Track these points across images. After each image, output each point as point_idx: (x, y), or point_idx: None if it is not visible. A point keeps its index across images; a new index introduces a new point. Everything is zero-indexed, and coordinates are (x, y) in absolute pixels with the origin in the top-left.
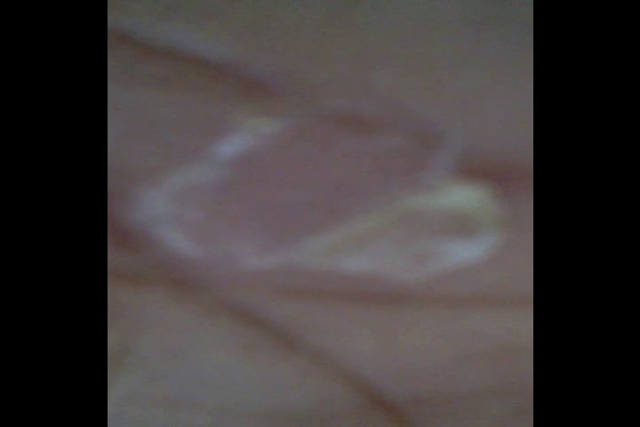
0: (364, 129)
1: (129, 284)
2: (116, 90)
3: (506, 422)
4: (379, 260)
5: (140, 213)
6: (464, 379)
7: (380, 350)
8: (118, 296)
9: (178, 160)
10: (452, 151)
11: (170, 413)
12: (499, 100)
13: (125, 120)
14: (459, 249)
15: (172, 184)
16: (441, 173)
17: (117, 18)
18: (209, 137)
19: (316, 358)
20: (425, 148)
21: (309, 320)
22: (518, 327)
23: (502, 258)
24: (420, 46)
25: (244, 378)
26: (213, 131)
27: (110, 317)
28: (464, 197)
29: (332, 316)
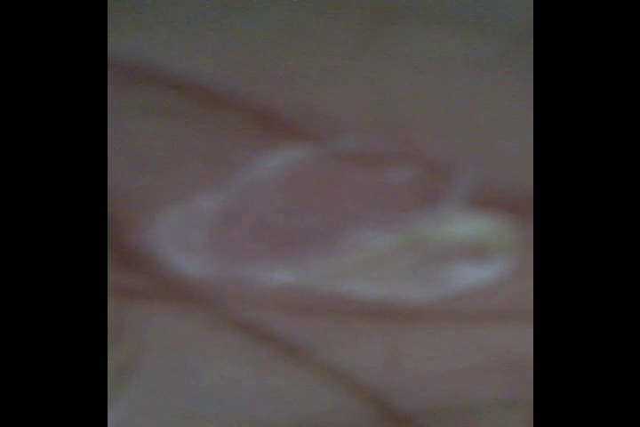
0: (375, 163)
1: (139, 302)
2: (127, 119)
3: None
4: (387, 284)
5: (149, 235)
6: (472, 391)
7: (390, 364)
8: (127, 314)
9: (188, 187)
10: (462, 184)
11: None
12: (508, 135)
13: (137, 149)
14: (467, 274)
15: (181, 210)
16: (451, 205)
17: (122, 49)
18: (221, 167)
19: (326, 372)
20: (436, 181)
21: (318, 336)
22: (524, 342)
23: (509, 282)
24: (433, 83)
25: (253, 393)
26: (225, 161)
27: (118, 333)
28: (473, 227)
29: (341, 331)
